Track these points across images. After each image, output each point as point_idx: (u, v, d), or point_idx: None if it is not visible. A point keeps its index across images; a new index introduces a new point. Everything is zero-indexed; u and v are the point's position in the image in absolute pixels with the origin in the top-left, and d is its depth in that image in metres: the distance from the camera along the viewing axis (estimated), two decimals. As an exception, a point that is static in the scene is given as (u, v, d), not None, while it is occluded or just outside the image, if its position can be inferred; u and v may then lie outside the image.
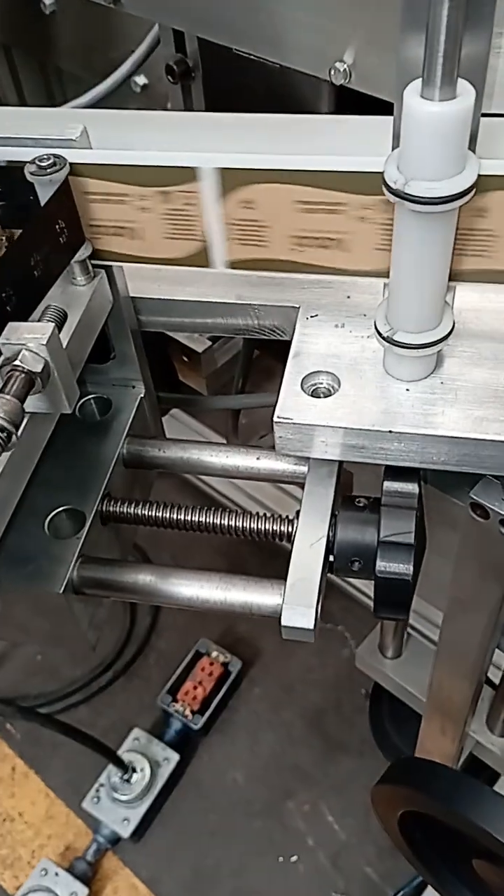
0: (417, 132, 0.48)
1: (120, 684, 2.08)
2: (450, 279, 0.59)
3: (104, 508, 0.67)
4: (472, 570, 0.76)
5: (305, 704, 2.02)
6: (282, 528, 0.66)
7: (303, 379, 0.63)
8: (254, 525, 0.66)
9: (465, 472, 0.61)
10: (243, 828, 1.89)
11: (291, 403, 0.61)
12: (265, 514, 0.67)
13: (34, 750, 1.95)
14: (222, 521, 0.66)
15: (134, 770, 1.82)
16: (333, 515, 0.65)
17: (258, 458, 0.70)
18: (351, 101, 0.75)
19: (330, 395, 0.62)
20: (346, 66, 0.72)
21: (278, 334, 0.72)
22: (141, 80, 1.26)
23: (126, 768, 1.80)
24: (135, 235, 0.62)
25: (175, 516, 0.67)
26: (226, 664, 2.00)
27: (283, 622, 0.60)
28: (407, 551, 0.60)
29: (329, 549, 0.64)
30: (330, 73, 0.73)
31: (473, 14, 0.47)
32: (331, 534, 0.64)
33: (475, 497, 0.67)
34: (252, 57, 0.78)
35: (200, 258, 0.63)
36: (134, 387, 0.76)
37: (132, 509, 0.67)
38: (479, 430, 0.58)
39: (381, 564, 0.59)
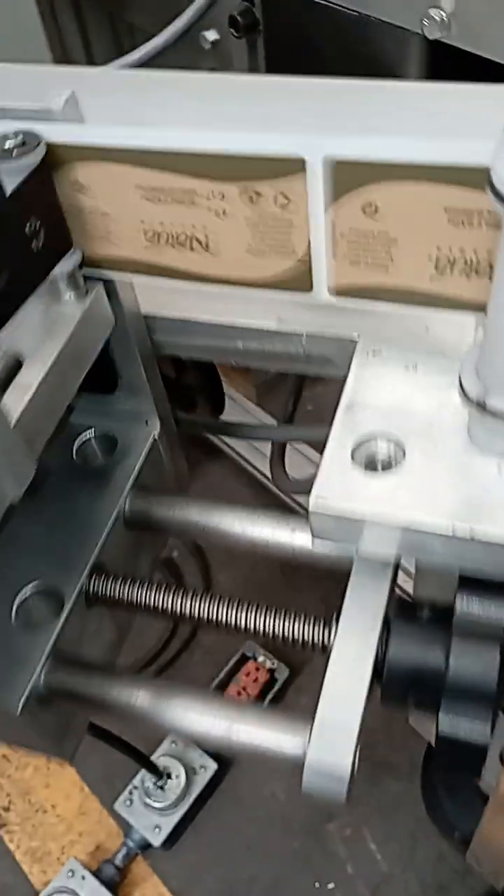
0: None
1: (164, 679, 1.99)
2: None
3: (92, 587, 0.53)
4: None
5: (356, 720, 1.86)
6: (314, 632, 0.50)
7: (355, 443, 0.46)
8: (278, 625, 0.50)
9: None
10: (280, 846, 1.79)
11: (336, 479, 0.45)
12: (293, 613, 0.51)
13: (71, 741, 1.89)
14: (239, 619, 0.51)
15: (169, 776, 1.73)
16: (385, 624, 0.48)
17: (293, 531, 0.54)
18: (447, 63, 0.57)
19: (390, 470, 0.45)
20: (443, 14, 0.54)
21: (331, 370, 0.55)
22: (211, 35, 1.08)
23: (161, 774, 1.71)
24: (199, 247, 0.45)
25: (179, 606, 0.52)
26: (272, 671, 1.88)
27: (305, 784, 0.44)
28: (485, 705, 0.43)
29: (376, 670, 0.48)
30: (423, 23, 0.55)
31: None
32: (380, 650, 0.48)
33: None
34: (325, 2, 0.60)
35: (296, 280, 0.46)
36: (147, 423, 0.61)
37: (128, 590, 0.53)
38: None
39: (446, 721, 0.43)
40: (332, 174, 0.39)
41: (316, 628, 0.49)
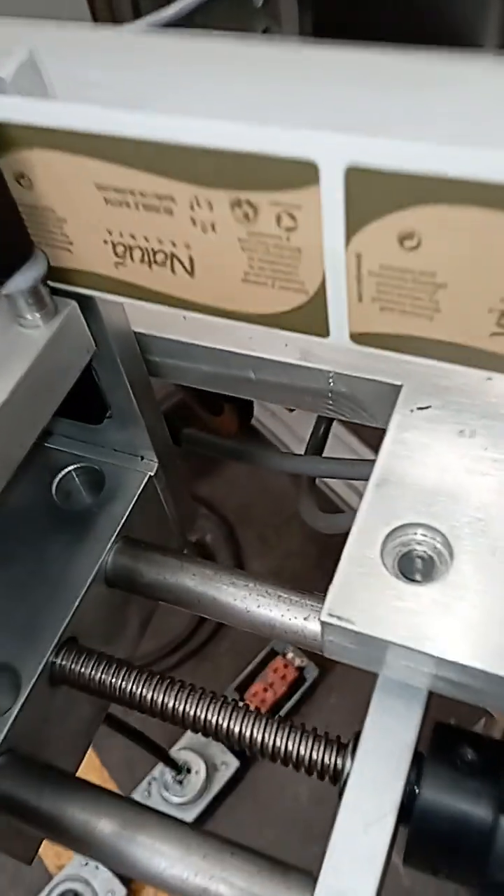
0: None
1: (188, 668, 1.93)
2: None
3: (58, 663, 0.43)
4: None
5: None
6: (326, 757, 0.39)
7: (388, 536, 0.35)
8: (280, 741, 0.40)
9: None
10: (299, 851, 1.73)
11: (360, 586, 0.34)
12: (300, 730, 0.40)
13: (94, 723, 1.86)
14: (233, 726, 0.40)
15: (188, 770, 1.68)
16: (416, 760, 0.38)
17: (306, 619, 0.43)
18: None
19: (432, 578, 0.34)
20: None
21: (364, 417, 0.44)
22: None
23: (180, 769, 1.67)
24: (178, 267, 0.34)
25: (161, 701, 0.42)
26: (301, 668, 1.80)
27: None
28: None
29: (401, 818, 0.37)
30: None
31: None
32: (407, 794, 0.37)
33: None
34: None
35: (307, 322, 0.34)
36: (142, 458, 0.50)
37: (100, 672, 0.43)
38: None
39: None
40: (358, 190, 0.27)
41: (330, 750, 0.39)
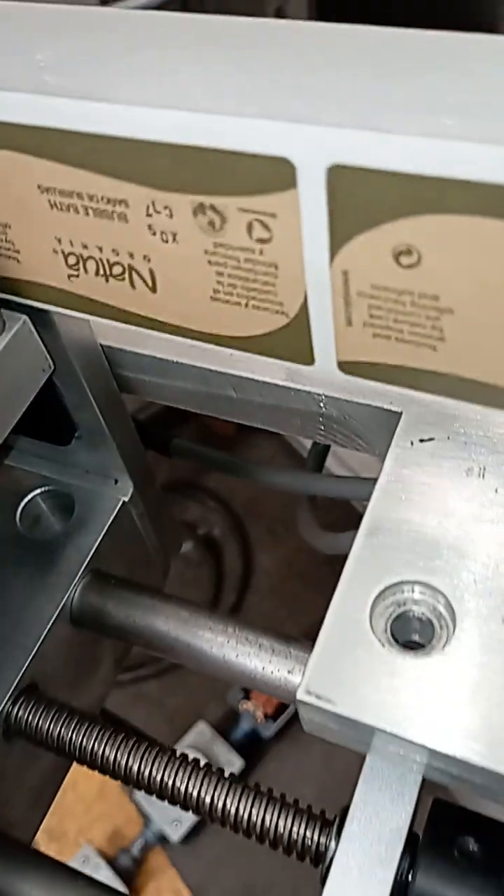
0: None
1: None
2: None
3: (14, 714, 0.39)
4: None
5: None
6: (308, 835, 0.35)
7: (378, 595, 0.30)
8: (256, 815, 0.35)
9: None
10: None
11: (344, 655, 0.29)
12: (282, 802, 0.36)
13: (95, 719, 1.84)
14: (204, 794, 0.36)
15: (191, 770, 1.65)
16: (409, 843, 0.33)
17: (290, 672, 0.38)
18: None
19: (430, 649, 0.29)
20: None
21: (359, 445, 0.38)
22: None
23: (182, 768, 1.63)
24: (136, 281, 0.29)
25: (126, 764, 0.37)
26: (309, 668, 1.75)
27: None
28: None
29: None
30: None
31: None
32: (396, 885, 0.32)
33: None
34: None
35: (288, 348, 0.28)
36: (116, 481, 0.46)
37: (59, 726, 0.38)
38: None
39: None
40: (344, 194, 0.21)
41: (309, 830, 0.34)
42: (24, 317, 0.34)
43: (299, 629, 1.84)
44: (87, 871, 1.53)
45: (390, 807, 0.33)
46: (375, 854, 0.33)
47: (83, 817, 1.75)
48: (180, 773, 0.36)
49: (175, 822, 1.64)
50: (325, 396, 0.36)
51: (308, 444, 0.53)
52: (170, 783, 0.36)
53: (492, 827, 0.32)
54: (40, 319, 0.35)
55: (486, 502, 0.31)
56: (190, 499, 2.04)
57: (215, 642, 0.39)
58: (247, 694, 1.73)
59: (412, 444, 0.33)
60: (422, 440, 0.33)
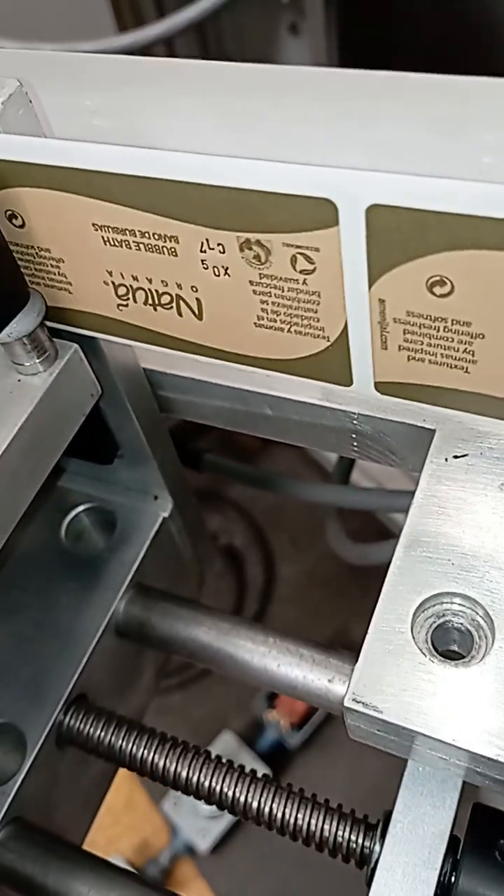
0: None
1: (216, 678, 1.91)
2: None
3: (66, 723, 0.41)
4: None
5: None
6: (353, 839, 0.36)
7: (418, 607, 0.31)
8: (302, 819, 0.37)
9: None
10: (331, 860, 1.69)
11: (387, 665, 0.30)
12: (326, 807, 0.37)
13: (122, 730, 1.85)
14: (251, 800, 0.37)
15: (218, 780, 1.65)
16: (452, 847, 0.34)
17: (330, 681, 0.40)
18: None
19: (469, 656, 0.30)
20: None
21: (393, 461, 0.40)
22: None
23: (209, 778, 1.64)
24: (185, 310, 0.31)
25: (175, 770, 0.39)
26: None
27: None
28: None
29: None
30: None
31: None
32: (439, 886, 0.33)
33: None
34: None
35: (327, 371, 0.31)
36: (157, 497, 0.47)
37: (109, 734, 0.40)
38: None
39: None
40: (382, 231, 0.23)
41: (354, 834, 0.35)
42: (75, 345, 0.36)
43: (322, 638, 1.84)
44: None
45: (432, 811, 0.34)
46: (419, 856, 0.34)
47: (111, 829, 1.76)
48: (227, 779, 0.38)
49: (203, 832, 1.64)
50: (360, 415, 0.38)
51: (329, 455, 0.55)
52: (217, 788, 0.38)
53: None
54: (88, 347, 0.37)
55: None
56: (211, 509, 2.05)
57: (257, 652, 0.41)
58: (271, 703, 1.73)
59: (446, 460, 0.35)
60: (455, 456, 0.34)
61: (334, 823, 0.36)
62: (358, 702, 0.29)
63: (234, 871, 1.67)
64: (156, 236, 0.28)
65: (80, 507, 0.48)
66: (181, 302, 0.30)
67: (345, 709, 0.30)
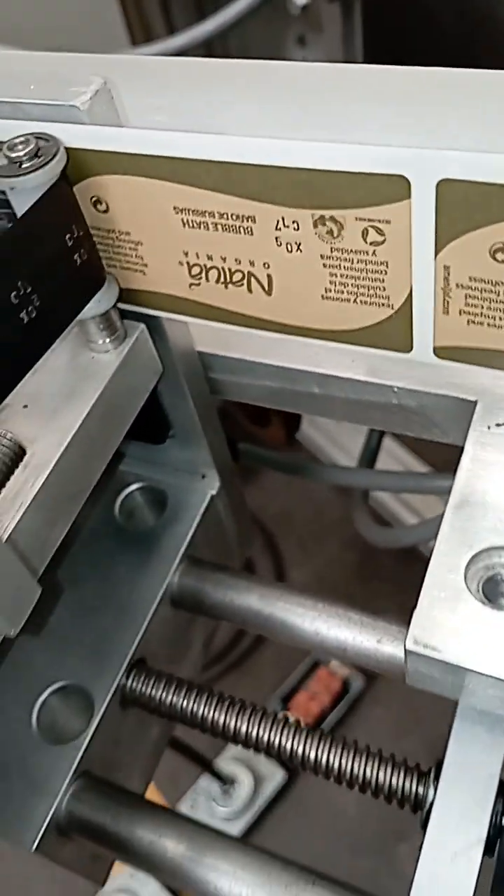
0: None
1: (232, 679, 1.92)
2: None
3: (129, 685, 0.43)
4: None
5: (432, 734, 1.75)
6: (407, 786, 0.38)
7: (470, 560, 0.34)
8: (358, 768, 0.39)
9: None
10: (348, 863, 1.71)
11: (444, 611, 0.33)
12: (380, 756, 0.39)
13: (137, 734, 1.86)
14: (309, 751, 0.40)
15: (234, 782, 1.67)
16: (501, 791, 0.36)
17: (379, 642, 0.42)
18: None
19: (523, 602, 0.33)
20: None
21: (435, 434, 0.43)
22: (300, -1, 0.93)
23: (226, 780, 1.66)
24: (257, 287, 0.33)
25: (234, 724, 0.41)
26: (346, 679, 1.78)
27: None
28: None
29: (487, 850, 0.36)
30: None
31: None
32: (492, 827, 0.36)
33: None
34: None
35: (389, 338, 0.33)
36: (204, 476, 0.50)
37: (170, 694, 0.43)
38: None
39: None
40: (450, 203, 0.26)
41: (408, 781, 0.38)
42: (143, 325, 0.39)
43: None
44: (134, 884, 1.54)
45: (482, 755, 0.37)
46: (471, 798, 0.36)
47: None
48: (285, 732, 0.40)
49: (219, 835, 1.65)
50: (403, 389, 0.40)
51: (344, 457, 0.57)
52: (276, 741, 0.40)
53: None
54: (152, 327, 0.40)
55: None
56: (223, 515, 2.07)
57: (307, 616, 0.43)
58: (286, 705, 1.74)
59: (489, 428, 0.37)
60: (498, 424, 0.37)
61: (390, 771, 0.38)
62: (418, 643, 0.32)
63: (251, 874, 1.68)
64: (234, 217, 0.31)
65: (133, 486, 0.51)
66: (252, 278, 0.33)
67: (406, 652, 0.32)
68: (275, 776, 1.70)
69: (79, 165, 0.32)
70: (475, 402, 0.39)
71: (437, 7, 0.62)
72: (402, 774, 0.38)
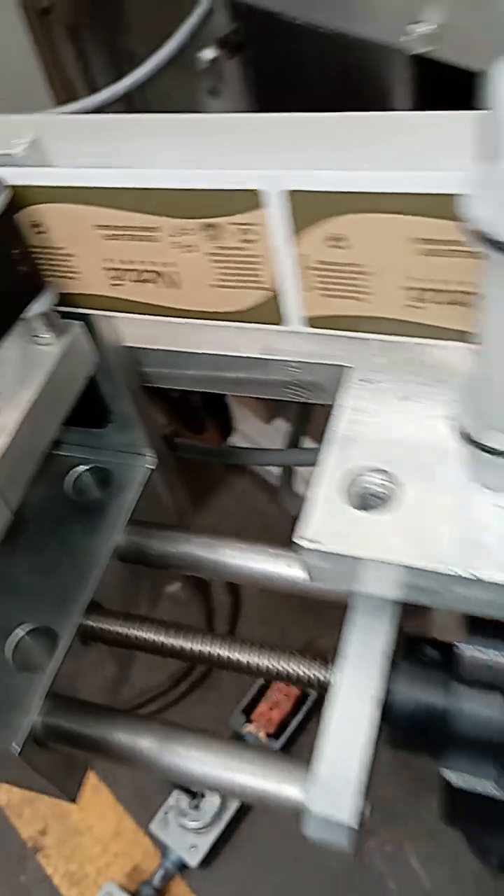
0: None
1: (195, 697, 1.97)
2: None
3: (88, 624, 0.52)
4: None
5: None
6: (313, 673, 0.48)
7: (346, 479, 0.44)
8: (275, 664, 0.48)
9: None
10: (319, 863, 1.76)
11: (326, 519, 0.43)
12: (292, 653, 0.49)
13: (108, 763, 1.89)
14: (236, 656, 0.49)
15: (203, 795, 1.71)
16: (393, 666, 0.46)
17: (289, 567, 0.52)
18: (434, 76, 0.54)
19: (384, 507, 0.43)
20: (428, 28, 0.51)
21: (323, 398, 0.53)
22: (208, 54, 1.06)
23: (195, 793, 1.70)
24: (164, 282, 0.44)
25: (177, 644, 0.50)
26: (305, 685, 1.84)
27: (307, 832, 0.42)
28: (490, 754, 0.40)
29: (383, 715, 0.45)
30: (406, 37, 0.52)
31: None
32: (385, 692, 0.45)
33: None
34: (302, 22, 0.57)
35: (266, 313, 0.45)
36: (142, 454, 0.60)
37: (125, 627, 0.51)
38: None
39: (450, 773, 0.41)
40: (292, 207, 0.37)
41: (316, 667, 0.47)
42: (80, 322, 0.48)
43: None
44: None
45: (372, 639, 0.46)
46: (366, 673, 0.45)
47: (101, 858, 1.79)
48: (217, 644, 0.49)
49: (192, 848, 1.69)
50: (295, 362, 0.51)
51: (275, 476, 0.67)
52: (211, 653, 0.49)
53: (444, 643, 0.46)
54: (87, 324, 0.50)
55: (414, 416, 0.46)
56: (175, 540, 2.14)
57: (238, 557, 0.53)
58: (248, 717, 1.80)
59: (360, 383, 0.48)
60: (368, 381, 0.48)
61: (296, 662, 0.48)
62: (306, 539, 0.41)
63: (226, 885, 1.71)
64: (142, 229, 0.41)
65: (81, 468, 0.60)
66: (160, 276, 0.43)
67: (300, 549, 0.42)
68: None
69: (19, 198, 0.42)
70: (352, 368, 0.49)
71: (314, 63, 0.74)
72: (306, 663, 0.47)
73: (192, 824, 1.72)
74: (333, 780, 0.43)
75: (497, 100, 0.26)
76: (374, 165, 0.35)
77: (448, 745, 0.42)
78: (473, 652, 0.41)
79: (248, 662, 0.48)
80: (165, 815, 1.77)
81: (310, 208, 0.37)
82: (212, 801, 1.75)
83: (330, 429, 0.46)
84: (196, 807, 1.73)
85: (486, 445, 0.38)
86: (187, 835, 1.73)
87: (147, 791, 1.87)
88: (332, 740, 0.44)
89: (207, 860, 1.72)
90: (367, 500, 0.44)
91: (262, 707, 1.84)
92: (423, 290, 0.38)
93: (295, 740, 1.83)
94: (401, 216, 0.36)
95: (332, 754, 0.44)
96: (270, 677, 0.49)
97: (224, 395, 0.95)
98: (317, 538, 0.42)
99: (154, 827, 1.76)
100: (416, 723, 0.43)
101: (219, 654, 0.49)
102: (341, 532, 0.42)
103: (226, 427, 0.97)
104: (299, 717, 1.84)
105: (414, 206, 0.35)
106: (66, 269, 0.45)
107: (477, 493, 0.42)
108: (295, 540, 0.42)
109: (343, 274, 0.40)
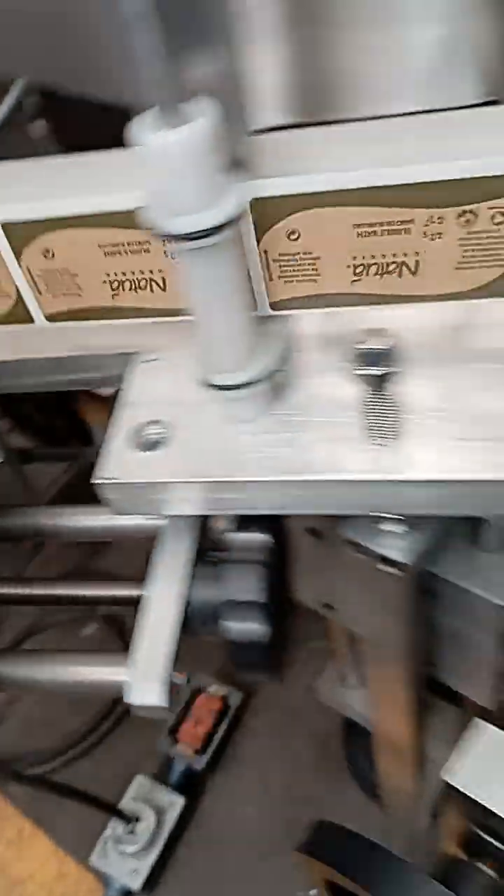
0: (150, 165, 0.43)
1: (119, 732, 2.02)
2: (277, 308, 0.55)
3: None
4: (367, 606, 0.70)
5: (313, 730, 1.93)
6: (128, 591, 0.61)
7: (130, 430, 0.58)
8: (94, 592, 0.62)
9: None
10: (257, 868, 1.82)
11: (118, 461, 0.57)
12: (109, 579, 0.62)
13: (41, 806, 1.91)
14: (62, 591, 0.62)
15: (138, 819, 1.76)
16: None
17: (111, 518, 0.66)
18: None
19: (161, 447, 0.57)
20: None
21: (115, 384, 0.68)
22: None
23: (129, 819, 1.74)
24: (153, 287, 0.57)
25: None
26: (225, 697, 1.93)
27: (130, 700, 0.55)
28: (256, 610, 0.54)
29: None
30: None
31: (197, 31, 0.43)
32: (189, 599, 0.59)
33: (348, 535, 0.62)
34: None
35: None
36: (-8, 454, 0.73)
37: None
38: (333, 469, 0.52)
39: (226, 626, 0.55)
40: (258, 211, 0.50)
41: (126, 589, 0.61)
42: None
43: (208, 670, 2.03)
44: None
45: (174, 550, 0.60)
46: (166, 580, 0.59)
47: (47, 903, 1.79)
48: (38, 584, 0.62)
49: (133, 872, 1.72)
50: (93, 357, 0.65)
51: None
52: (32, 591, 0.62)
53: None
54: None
55: (182, 384, 0.59)
56: (89, 583, 2.20)
57: (89, 519, 0.66)
58: (175, 738, 1.87)
59: (143, 363, 0.63)
60: (149, 360, 0.63)
61: (111, 588, 0.61)
62: (102, 477, 0.55)
63: (171, 905, 1.75)
64: (135, 243, 0.53)
65: None
66: (152, 282, 0.55)
67: (98, 486, 0.55)
68: (175, 804, 1.80)
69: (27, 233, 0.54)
70: (137, 353, 0.64)
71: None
72: (123, 584, 0.61)
73: (131, 848, 1.76)
74: (147, 662, 0.56)
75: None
76: (69, 193, 0.51)
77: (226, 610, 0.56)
78: (233, 539, 0.56)
79: (71, 595, 0.61)
80: (104, 846, 1.80)
81: (270, 209, 0.50)
82: (146, 824, 1.79)
83: (119, 398, 0.61)
84: (131, 831, 1.77)
85: (215, 384, 0.53)
86: (127, 860, 1.77)
87: (84, 829, 1.90)
88: (144, 634, 0.57)
89: (150, 882, 1.75)
90: (148, 443, 0.58)
91: (187, 725, 1.90)
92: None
93: (222, 752, 1.90)
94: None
95: (145, 643, 0.57)
96: (89, 603, 0.62)
97: (75, 412, 1.08)
98: (112, 475, 0.56)
99: (94, 859, 1.78)
100: (205, 611, 0.57)
101: (41, 594, 0.62)
102: (131, 469, 0.56)
103: (86, 439, 1.10)
104: (222, 729, 1.90)
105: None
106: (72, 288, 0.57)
107: (230, 426, 0.57)
108: (93, 481, 0.55)
109: (298, 261, 0.51)
